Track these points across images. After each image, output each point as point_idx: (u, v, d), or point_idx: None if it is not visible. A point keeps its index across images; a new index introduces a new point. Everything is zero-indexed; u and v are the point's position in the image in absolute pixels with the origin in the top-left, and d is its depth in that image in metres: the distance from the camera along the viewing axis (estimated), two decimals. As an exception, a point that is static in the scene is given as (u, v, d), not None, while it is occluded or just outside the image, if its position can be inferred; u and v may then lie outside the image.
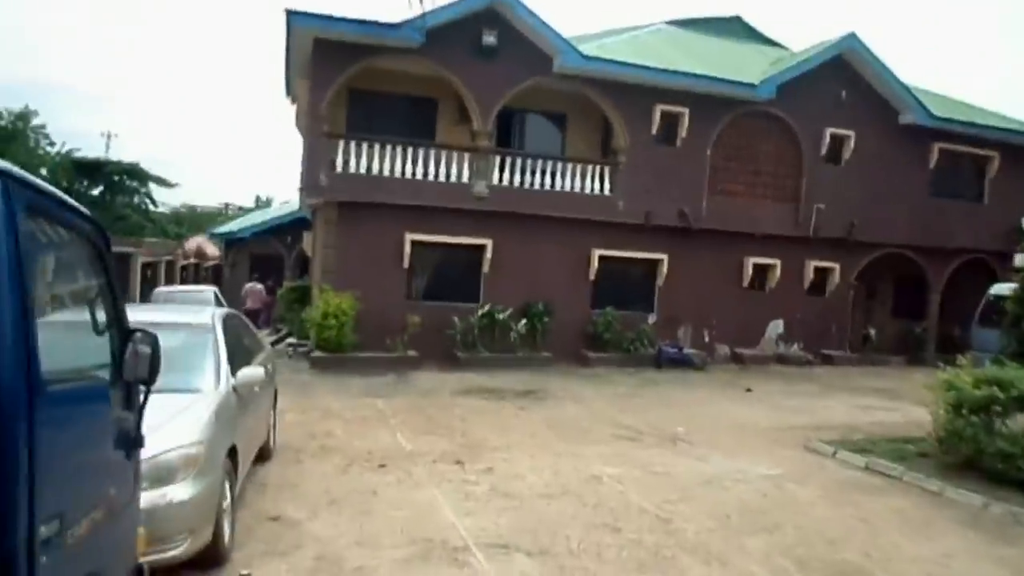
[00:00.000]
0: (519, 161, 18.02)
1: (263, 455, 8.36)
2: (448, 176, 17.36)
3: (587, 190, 18.41)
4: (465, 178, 17.47)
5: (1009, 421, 8.99)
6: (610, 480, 8.44)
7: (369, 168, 16.93)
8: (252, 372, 6.71)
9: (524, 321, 17.57)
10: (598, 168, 18.66)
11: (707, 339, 19.72)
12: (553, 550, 6.27)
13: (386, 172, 16.99)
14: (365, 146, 16.94)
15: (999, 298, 16.20)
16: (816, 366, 20.03)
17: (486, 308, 17.44)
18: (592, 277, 18.75)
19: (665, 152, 19.01)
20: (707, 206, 19.27)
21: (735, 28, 24.81)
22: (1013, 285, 16.09)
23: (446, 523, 6.80)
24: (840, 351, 21.05)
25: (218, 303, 17.42)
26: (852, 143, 20.62)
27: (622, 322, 18.56)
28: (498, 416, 11.87)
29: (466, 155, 17.59)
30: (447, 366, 16.57)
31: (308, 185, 17.50)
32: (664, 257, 19.25)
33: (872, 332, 22.02)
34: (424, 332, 16.97)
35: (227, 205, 69.39)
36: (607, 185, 18.62)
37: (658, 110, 18.66)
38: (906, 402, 14.87)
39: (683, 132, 19.02)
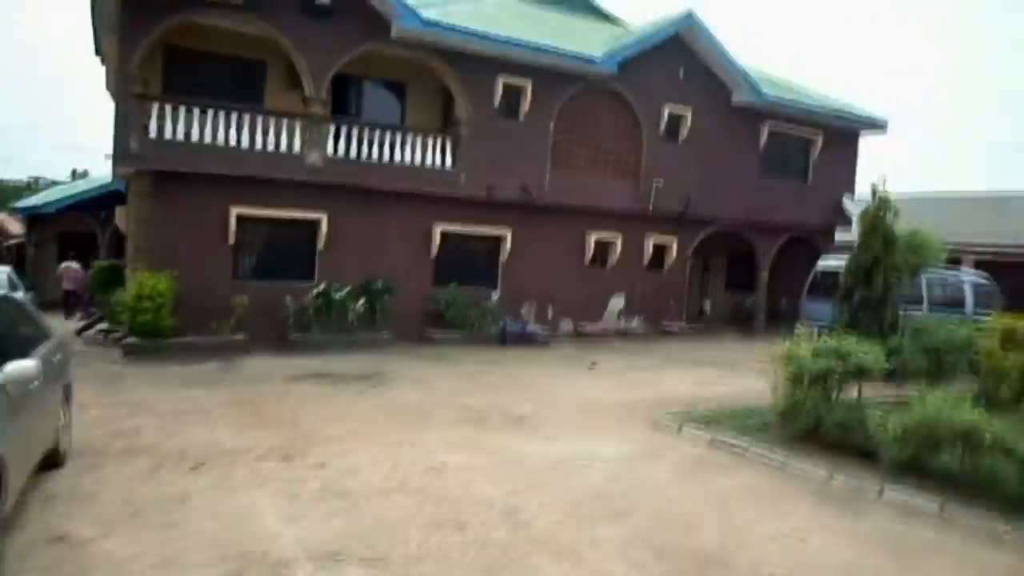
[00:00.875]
0: (356, 131, 16.98)
1: (51, 461, 7.14)
2: (278, 145, 16.08)
3: (428, 163, 17.67)
4: (297, 148, 16.25)
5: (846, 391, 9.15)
6: (454, 470, 7.83)
7: (188, 135, 15.36)
8: (22, 366, 5.55)
9: (363, 300, 16.64)
10: (439, 140, 17.93)
11: (551, 315, 19.56)
12: (391, 556, 5.58)
13: (208, 139, 15.48)
14: (183, 110, 15.35)
15: (826, 272, 16.97)
16: (656, 339, 20.34)
17: (321, 287, 16.37)
18: (434, 253, 18.07)
19: (508, 125, 18.55)
20: (550, 181, 19.02)
21: (576, 3, 24.67)
22: (840, 259, 16.93)
23: (268, 532, 5.95)
24: (679, 324, 21.51)
25: (12, 286, 15.36)
26: (689, 121, 20.99)
27: (466, 299, 18.02)
28: (334, 403, 11.00)
29: (298, 123, 16.35)
30: (280, 350, 15.41)
31: (118, 153, 15.67)
32: (507, 232, 18.85)
33: (707, 305, 22.69)
34: (254, 314, 15.69)
35: (36, 179, 63.13)
36: (448, 158, 17.95)
37: (501, 82, 18.14)
38: (742, 373, 15.22)
39: (526, 105, 18.62)
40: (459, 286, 18.01)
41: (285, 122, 16.24)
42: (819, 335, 15.11)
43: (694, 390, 13.10)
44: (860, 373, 9.05)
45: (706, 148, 21.31)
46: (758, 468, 8.47)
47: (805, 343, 9.76)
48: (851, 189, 24.66)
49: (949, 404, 7.81)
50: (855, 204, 24.17)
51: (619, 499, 7.10)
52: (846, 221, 24.07)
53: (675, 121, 20.94)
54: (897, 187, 12.65)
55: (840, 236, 25.00)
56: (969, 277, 16.71)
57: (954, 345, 11.06)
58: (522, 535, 6.08)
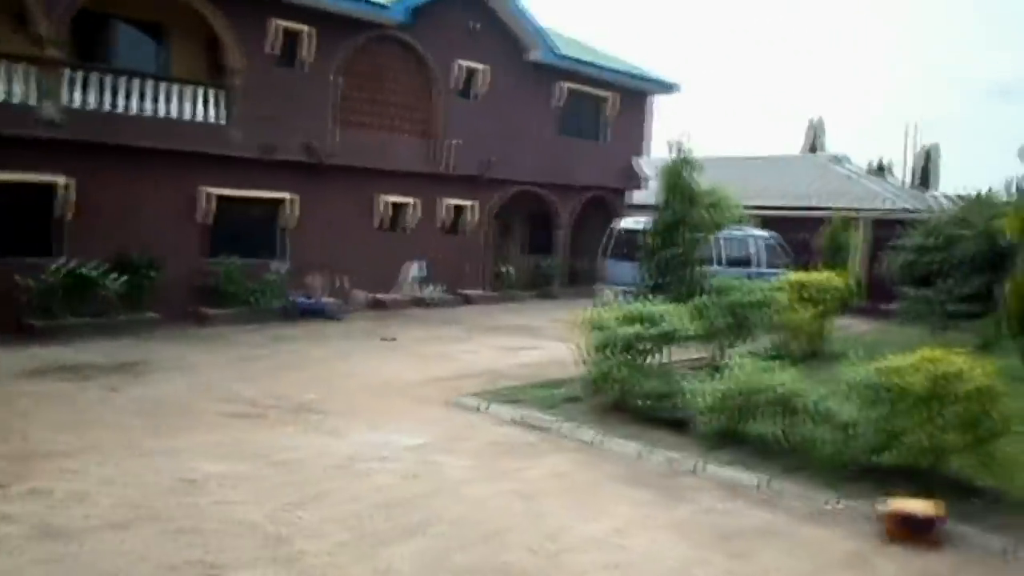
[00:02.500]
0: (105, 79, 14.47)
1: None
2: (6, 94, 13.32)
3: (195, 117, 15.48)
4: (31, 98, 13.56)
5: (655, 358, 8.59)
6: (214, 484, 6.38)
7: None
8: None
9: (121, 277, 14.30)
10: (207, 92, 15.75)
11: (343, 286, 18.05)
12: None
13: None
14: None
15: (623, 232, 16.72)
16: (456, 307, 19.42)
17: (66, 263, 13.88)
18: (206, 221, 15.96)
19: (286, 76, 16.66)
20: (337, 140, 17.37)
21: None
22: (637, 219, 16.73)
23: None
24: (479, 290, 20.74)
25: None
26: (484, 77, 20.04)
27: (245, 272, 16.11)
28: (77, 405, 9.04)
29: (30, 68, 13.65)
30: (17, 340, 12.87)
31: None
32: (291, 196, 17.05)
33: (507, 269, 22.04)
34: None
35: None
36: (220, 112, 15.85)
37: (275, 26, 16.20)
38: (546, 339, 14.66)
39: (306, 54, 16.79)
40: (236, 257, 16.07)
41: (13, 67, 13.48)
42: (620, 298, 14.85)
43: (498, 361, 12.27)
44: (670, 338, 8.53)
45: (502, 106, 20.49)
46: (569, 449, 7.68)
47: (611, 308, 9.13)
48: (644, 151, 24.92)
49: (764, 369, 7.38)
50: (648, 165, 24.46)
51: (414, 506, 6.00)
52: (640, 182, 24.30)
53: (470, 77, 19.92)
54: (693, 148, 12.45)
55: (634, 198, 25.29)
56: (758, 235, 17.11)
57: (753, 303, 10.92)
58: (289, 573, 4.83)
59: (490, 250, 21.62)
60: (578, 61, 21.60)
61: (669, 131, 11.54)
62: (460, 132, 19.52)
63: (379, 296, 18.48)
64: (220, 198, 15.99)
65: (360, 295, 18.21)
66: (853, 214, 17.68)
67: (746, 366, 7.48)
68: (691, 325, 8.73)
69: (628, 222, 16.84)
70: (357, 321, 16.40)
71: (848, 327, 15.65)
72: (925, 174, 47.42)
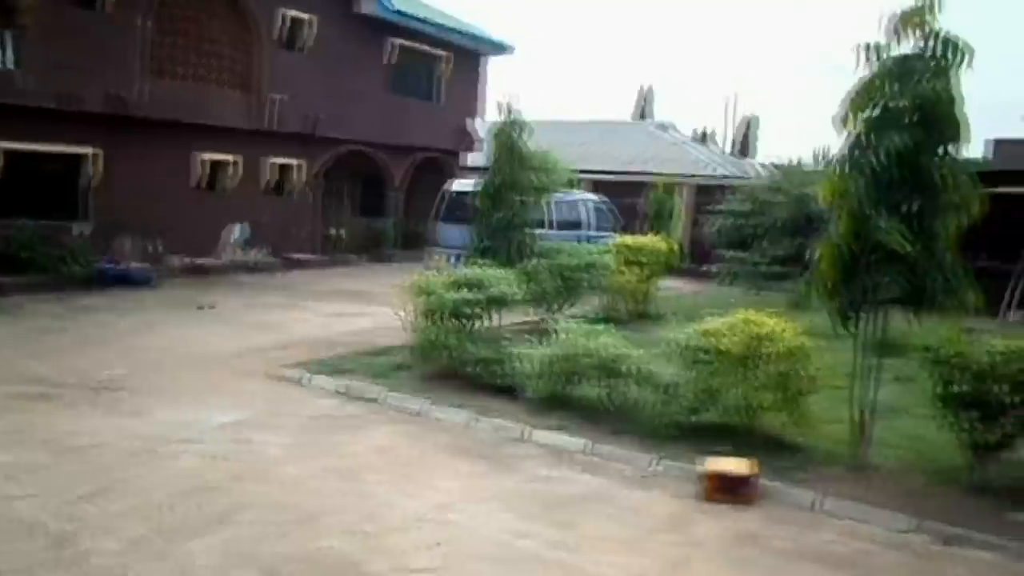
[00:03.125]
0: None
1: None
2: None
3: None
4: None
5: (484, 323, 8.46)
6: (-12, 478, 5.64)
7: None
8: None
9: None
10: None
11: (157, 250, 16.74)
12: None
13: None
14: None
15: (455, 194, 16.48)
16: (284, 272, 18.54)
17: None
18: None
19: (86, 18, 15.05)
20: (147, 90, 15.94)
21: None
22: (471, 182, 16.50)
23: None
24: (308, 254, 19.90)
25: None
26: (310, 28, 19.02)
27: (43, 236, 14.56)
28: None
29: None
30: None
31: None
32: (95, 152, 15.53)
33: (338, 232, 21.31)
34: None
35: None
36: (7, 57, 14.08)
37: (69, -40, 14.60)
38: (377, 304, 14.22)
39: (108, -6, 15.24)
40: (29, 220, 14.49)
41: None
42: (452, 261, 14.65)
43: (325, 328, 11.77)
44: (499, 302, 8.40)
45: (331, 61, 19.56)
46: (396, 420, 7.42)
47: (440, 273, 8.90)
48: (477, 113, 24.70)
49: (589, 333, 7.39)
50: (481, 127, 24.28)
51: (223, 492, 5.54)
52: (474, 144, 24.12)
53: (295, 27, 18.83)
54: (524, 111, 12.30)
55: (469, 160, 25.09)
56: (588, 199, 17.36)
57: (581, 266, 11.01)
58: (72, 575, 4.29)
59: (320, 212, 20.79)
60: (411, 16, 20.97)
61: (503, 94, 11.62)
62: (285, 87, 18.50)
63: (198, 261, 17.31)
64: (9, 153, 14.32)
65: (176, 260, 16.98)
66: (677, 180, 18.28)
67: (571, 330, 7.47)
68: (520, 289, 8.64)
69: (460, 184, 16.59)
70: (173, 288, 15.25)
71: (672, 289, 16.23)
72: (745, 143, 50.33)
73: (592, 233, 16.98)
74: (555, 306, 11.16)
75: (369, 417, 7.44)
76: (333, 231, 21.13)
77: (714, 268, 18.60)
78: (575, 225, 16.79)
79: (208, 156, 17.54)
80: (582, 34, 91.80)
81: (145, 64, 15.97)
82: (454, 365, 8.45)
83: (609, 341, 7.10)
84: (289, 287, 16.08)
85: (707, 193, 22.29)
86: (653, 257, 13.57)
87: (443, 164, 23.73)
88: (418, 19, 21.26)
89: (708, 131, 51.97)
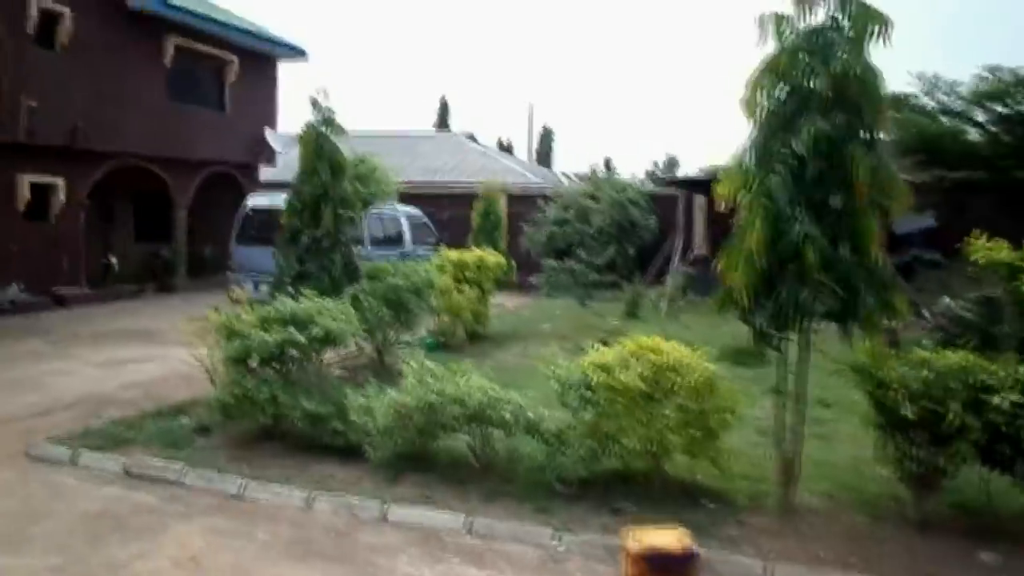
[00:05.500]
0: None
1: None
2: None
3: None
4: None
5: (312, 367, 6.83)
6: None
7: None
8: None
9: None
10: None
11: None
12: None
13: None
14: None
15: (257, 211, 14.48)
16: (46, 311, 15.54)
17: None
18: None
19: None
20: None
21: None
22: (274, 196, 14.54)
23: None
24: (76, 288, 16.91)
25: None
26: (69, 24, 16.17)
27: None
28: None
29: None
30: None
31: None
32: None
33: (114, 260, 18.42)
34: None
35: None
36: None
37: None
38: (164, 344, 12.01)
39: None
40: None
41: None
42: (252, 291, 12.70)
43: (99, 382, 9.47)
44: (329, 341, 6.79)
45: (97, 62, 16.74)
46: (206, 510, 5.59)
47: (247, 307, 7.16)
48: (273, 122, 22.51)
49: (448, 374, 5.99)
50: (276, 138, 22.16)
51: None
52: (270, 157, 21.95)
53: (50, 21, 15.88)
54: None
55: (265, 174, 22.84)
56: (404, 211, 15.90)
57: (413, 288, 9.57)
58: None
59: (89, 239, 17.80)
60: (190, 13, 18.53)
61: (299, 102, 9.94)
62: (38, 90, 15.51)
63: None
64: None
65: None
66: (498, 189, 17.29)
67: (422, 371, 6.04)
68: (352, 324, 7.07)
69: (262, 200, 14.57)
70: None
71: (500, 304, 15.14)
72: (545, 153, 50.91)
73: (410, 249, 15.55)
74: (387, 335, 9.64)
75: (167, 509, 5.56)
76: (107, 260, 18.22)
77: (533, 279, 17.81)
78: (393, 241, 15.28)
79: (-61, 174, 14.34)
80: (374, 43, 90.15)
81: None
82: (276, 421, 6.74)
83: (480, 383, 5.72)
84: (54, 330, 13.30)
85: (522, 203, 21.56)
86: (485, 273, 12.40)
87: (237, 179, 21.35)
88: (199, 16, 18.84)
89: (507, 142, 52.25)
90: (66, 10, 16.05)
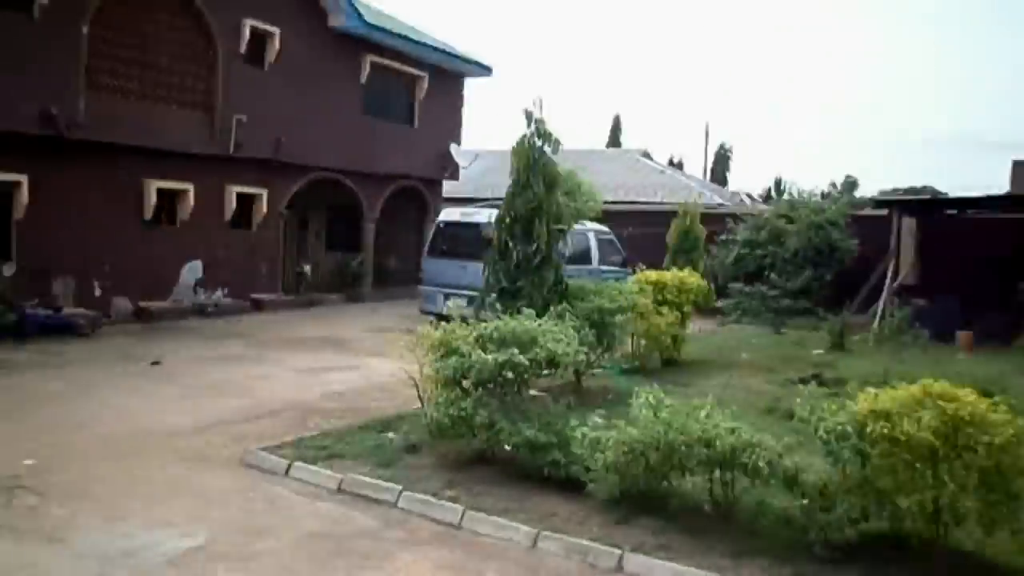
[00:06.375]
0: None
1: None
2: None
3: None
4: None
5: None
6: None
7: None
8: None
9: None
10: None
11: (99, 292, 14.40)
12: None
13: None
14: None
15: (450, 225, 14.45)
16: (246, 315, 16.26)
17: None
18: None
19: (17, 24, 12.82)
20: (86, 107, 13.67)
21: None
22: (470, 211, 14.53)
23: None
24: (273, 294, 17.67)
25: None
26: (277, 43, 16.98)
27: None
28: None
29: None
30: None
31: None
32: (22, 179, 13.20)
33: (307, 269, 19.11)
34: None
35: None
36: None
37: (-5, -44, 12.38)
38: (359, 354, 12.14)
39: (42, -3, 13.02)
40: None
41: None
42: (445, 302, 12.56)
43: (302, 389, 9.58)
44: (552, 364, 6.37)
45: (299, 79, 17.50)
46: (425, 538, 5.27)
47: (456, 325, 6.85)
48: (458, 138, 22.80)
49: (685, 410, 5.39)
50: (460, 154, 22.38)
51: None
52: (454, 171, 22.19)
53: (260, 41, 16.77)
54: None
55: (450, 188, 23.18)
56: (596, 229, 15.45)
57: (616, 309, 9.04)
58: None
59: (286, 247, 18.56)
60: (388, 32, 19.06)
61: (533, 101, 9.77)
62: (247, 106, 16.34)
63: (147, 305, 14.98)
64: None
65: (121, 303, 14.65)
66: (693, 208, 16.51)
67: (658, 405, 5.47)
68: (574, 347, 6.62)
69: (454, 214, 14.53)
70: (114, 337, 12.93)
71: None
72: (720, 172, 49.27)
73: (600, 268, 15.05)
74: (588, 358, 9.15)
75: (386, 534, 5.29)
76: (301, 268, 18.92)
77: (721, 304, 16.82)
78: (583, 259, 14.82)
79: (161, 184, 15.28)
80: (550, 61, 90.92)
81: (84, 77, 13.70)
82: (486, 447, 6.39)
83: (727, 423, 5.09)
84: (254, 334, 13.81)
85: (710, 223, 20.60)
86: (686, 295, 11.70)
87: (421, 193, 21.73)
88: (396, 35, 19.36)
89: (677, 159, 51.00)
90: (276, 30, 16.86)
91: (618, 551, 4.93)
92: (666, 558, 4.86)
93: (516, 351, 6.10)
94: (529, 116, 8.54)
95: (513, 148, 8.71)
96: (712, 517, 5.35)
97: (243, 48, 16.40)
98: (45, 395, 8.90)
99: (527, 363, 6.10)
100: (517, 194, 8.55)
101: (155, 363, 10.85)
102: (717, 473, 5.25)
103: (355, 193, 19.84)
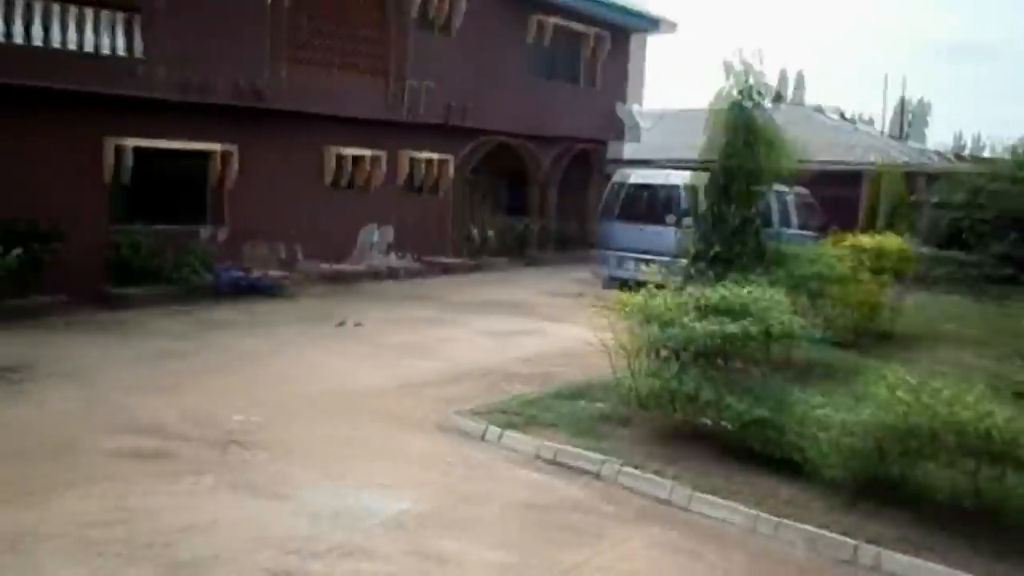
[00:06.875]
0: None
1: None
2: None
3: (100, 49, 12.17)
4: None
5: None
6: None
7: None
8: None
9: (12, 250, 11.07)
10: (117, 17, 12.40)
11: (291, 255, 15.09)
12: None
13: None
14: None
15: (626, 187, 14.00)
16: (424, 279, 16.57)
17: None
18: (118, 178, 12.83)
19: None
20: (276, 78, 14.18)
21: None
22: (643, 172, 14.06)
23: None
24: (445, 258, 17.90)
25: None
26: (449, 6, 16.98)
27: (169, 241, 13.08)
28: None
29: None
30: None
31: None
32: (225, 148, 13.95)
33: (484, 233, 19.15)
34: None
35: None
36: (135, 43, 12.52)
37: (195, -68, 12.98)
38: (542, 318, 12.02)
39: (237, -29, 13.56)
40: (156, 223, 13.05)
41: None
42: (619, 267, 12.18)
43: (491, 354, 9.56)
44: (782, 337, 5.92)
45: (470, 42, 17.45)
46: (642, 515, 5.03)
47: (658, 292, 6.47)
48: (624, 97, 22.13)
49: (934, 389, 4.81)
50: (642, 114, 21.73)
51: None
52: (634, 132, 21.52)
53: (433, 5, 16.82)
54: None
55: (615, 150, 22.58)
56: (795, 190, 14.47)
57: (829, 277, 8.37)
58: None
59: (459, 211, 18.74)
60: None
61: (737, 51, 9.12)
62: (424, 71, 16.49)
63: (332, 267, 15.57)
64: (138, 151, 12.88)
65: (308, 266, 15.28)
66: (898, 167, 15.14)
67: (901, 383, 4.92)
68: (801, 319, 6.14)
69: (635, 175, 14.00)
70: (304, 299, 13.50)
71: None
72: (903, 128, 45.51)
73: (796, 232, 14.10)
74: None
75: (601, 508, 5.10)
76: (476, 232, 18.99)
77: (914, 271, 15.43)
78: (784, 222, 13.90)
79: (343, 150, 15.76)
80: (722, 14, 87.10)
81: (279, 50, 14.25)
82: (694, 421, 6.05)
83: (991, 408, 4.50)
84: (434, 297, 14.04)
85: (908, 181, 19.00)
86: (886, 261, 10.77)
87: (597, 155, 21.22)
88: (564, -10, 18.88)
89: (860, 115, 47.51)
90: (450, -7, 16.83)
91: (852, 541, 4.48)
92: (910, 552, 4.37)
93: (728, 320, 5.69)
94: (732, 69, 7.96)
95: (712, 105, 8.17)
96: (963, 512, 4.78)
97: (415, 13, 16.50)
98: (250, 352, 9.37)
99: (752, 334, 5.66)
100: (726, 155, 7.99)
101: (340, 324, 11.19)
102: (975, 464, 4.64)
103: (521, 156, 19.70)
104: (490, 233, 18.76)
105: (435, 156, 17.54)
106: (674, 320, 5.87)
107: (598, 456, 5.70)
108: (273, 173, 14.59)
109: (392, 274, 16.21)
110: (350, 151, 15.91)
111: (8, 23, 11.33)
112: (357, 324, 11.23)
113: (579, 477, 5.58)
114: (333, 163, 15.69)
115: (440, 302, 13.42)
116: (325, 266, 15.42)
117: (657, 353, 6.25)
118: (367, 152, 16.18)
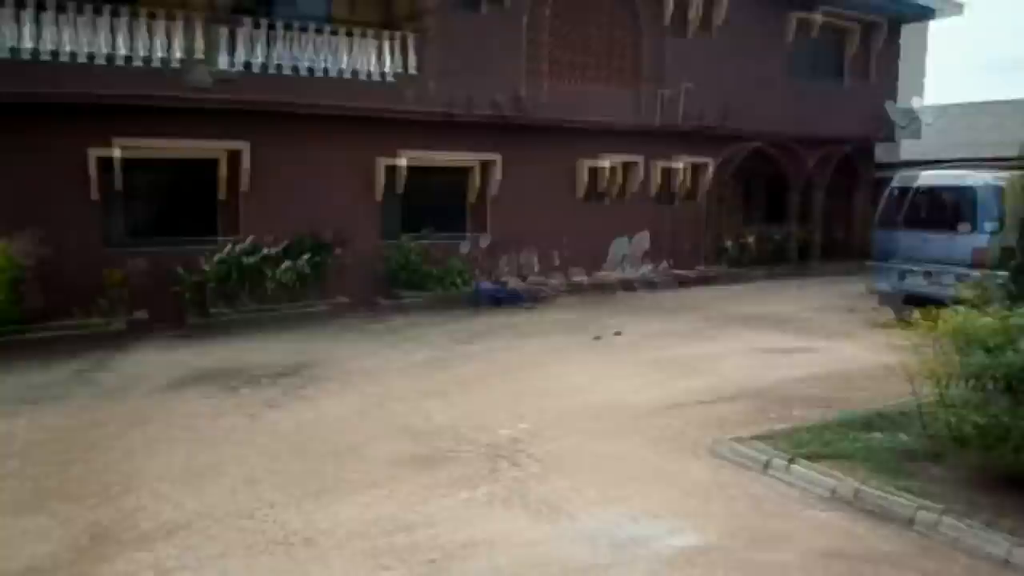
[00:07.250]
0: (270, 32, 12.33)
1: None
2: (150, 57, 11.45)
3: (372, 73, 12.99)
4: (176, 59, 11.57)
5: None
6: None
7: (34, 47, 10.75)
8: None
9: (288, 263, 12.19)
10: (392, 41, 13.20)
11: (542, 266, 15.24)
12: None
13: (49, 50, 10.89)
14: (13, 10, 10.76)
15: (908, 191, 12.58)
16: (677, 290, 16.01)
17: (229, 247, 12.01)
18: (392, 191, 13.66)
19: (472, 18, 13.93)
20: (532, 91, 14.40)
21: None
22: (930, 175, 12.61)
23: None
24: (697, 269, 17.21)
25: None
26: (700, 8, 16.34)
27: (431, 252, 13.73)
28: (214, 435, 6.86)
29: (186, 24, 11.74)
30: (180, 337, 11.14)
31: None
32: (480, 162, 14.43)
33: (743, 242, 18.19)
34: (144, 290, 11.53)
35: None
36: (409, 65, 13.30)
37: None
38: (814, 335, 11.09)
39: (495, -10, 13.95)
40: (418, 236, 13.73)
41: (164, 24, 11.61)
42: (901, 280, 10.95)
43: (762, 372, 8.88)
44: None
45: (724, 44, 16.74)
46: (960, 572, 4.29)
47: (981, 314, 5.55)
48: (896, 93, 20.12)
49: None
50: (907, 110, 19.74)
51: None
52: (914, 130, 19.57)
53: (683, 8, 16.26)
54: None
55: (886, 152, 20.63)
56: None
57: None
58: None
59: (715, 219, 17.97)
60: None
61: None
62: (672, 76, 16.06)
63: (586, 278, 15.53)
64: (402, 167, 13.66)
65: (561, 277, 15.35)
66: None
67: None
68: None
69: (914, 179, 12.54)
70: (560, 310, 13.52)
71: None
72: None
73: None
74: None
75: (922, 566, 4.37)
76: (723, 243, 18.10)
77: None
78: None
79: (594, 161, 15.70)
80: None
81: (536, 64, 14.53)
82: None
83: None
84: (692, 308, 13.48)
85: None
86: None
87: (851, 158, 19.50)
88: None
89: None
90: (697, -3, 16.24)
91: None
92: None
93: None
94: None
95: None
96: None
97: (667, 19, 16.07)
98: (511, 363, 9.49)
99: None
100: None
101: (598, 338, 11.00)
102: None
103: (778, 161, 18.49)
104: (749, 240, 17.82)
105: (691, 163, 17.02)
106: (1005, 345, 4.98)
107: (911, 500, 4.95)
108: (529, 185, 14.84)
109: (647, 284, 15.86)
110: (604, 162, 15.78)
111: (288, 54, 12.32)
112: (616, 333, 11.05)
113: (886, 523, 4.88)
114: (585, 175, 15.66)
115: (699, 314, 12.85)
116: (579, 277, 15.42)
117: (977, 381, 5.35)
118: (620, 162, 15.99)
